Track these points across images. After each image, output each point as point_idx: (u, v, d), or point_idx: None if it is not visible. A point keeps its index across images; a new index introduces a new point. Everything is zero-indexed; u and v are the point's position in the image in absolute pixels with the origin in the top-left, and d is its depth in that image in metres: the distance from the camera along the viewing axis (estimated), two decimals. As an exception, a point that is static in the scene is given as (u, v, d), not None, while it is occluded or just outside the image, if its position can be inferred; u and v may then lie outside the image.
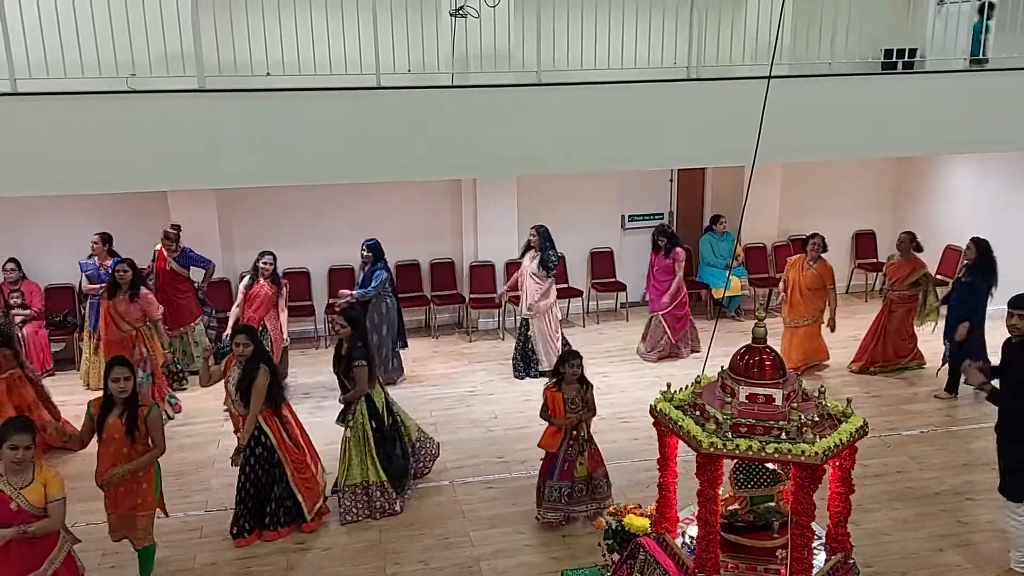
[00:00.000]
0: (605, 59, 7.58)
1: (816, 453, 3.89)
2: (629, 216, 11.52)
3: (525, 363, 9.33)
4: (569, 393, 6.18)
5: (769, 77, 5.19)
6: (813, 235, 9.15)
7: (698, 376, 4.68)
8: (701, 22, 7.84)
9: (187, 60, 6.97)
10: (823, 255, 9.04)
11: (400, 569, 5.92)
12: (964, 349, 7.76)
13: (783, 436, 3.98)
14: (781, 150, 8.00)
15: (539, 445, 6.33)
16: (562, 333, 9.43)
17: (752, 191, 6.12)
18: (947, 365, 8.54)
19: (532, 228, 9.16)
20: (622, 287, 11.18)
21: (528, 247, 9.19)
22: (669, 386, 4.54)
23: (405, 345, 9.37)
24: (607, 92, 7.49)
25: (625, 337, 10.49)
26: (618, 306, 11.49)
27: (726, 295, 10.62)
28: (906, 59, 8.54)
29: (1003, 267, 8.44)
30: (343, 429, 6.64)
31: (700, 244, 11.16)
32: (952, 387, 8.49)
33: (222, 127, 6.86)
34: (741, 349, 4.32)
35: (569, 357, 6.27)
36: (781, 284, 9.39)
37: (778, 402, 4.11)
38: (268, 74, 7.12)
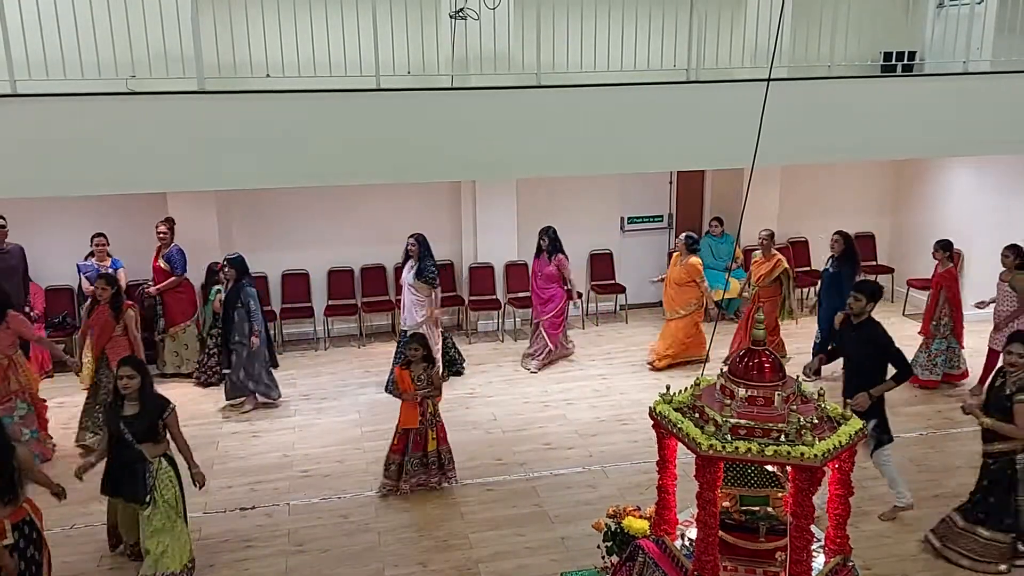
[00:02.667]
0: (605, 61, 7.59)
1: (815, 455, 3.89)
2: (629, 218, 11.53)
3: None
4: (416, 371, 6.67)
5: (769, 80, 5.20)
6: (684, 232, 9.56)
7: (697, 378, 4.69)
8: (701, 24, 7.85)
9: (187, 61, 6.97)
10: (695, 253, 9.43)
11: (398, 571, 5.92)
12: (833, 335, 8.20)
13: (782, 438, 3.98)
14: (781, 153, 8.01)
15: (400, 424, 6.78)
16: (446, 341, 9.33)
17: (751, 193, 6.12)
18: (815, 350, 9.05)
19: (410, 237, 8.80)
20: (621, 289, 11.18)
21: (407, 256, 8.85)
22: (668, 388, 4.54)
23: (276, 365, 8.91)
24: (607, 94, 7.50)
25: (625, 339, 10.50)
26: (618, 308, 11.50)
27: (725, 297, 10.62)
28: (905, 62, 8.55)
29: (999, 270, 8.46)
30: (142, 507, 5.60)
31: (699, 245, 11.17)
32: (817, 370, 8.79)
33: (222, 129, 6.87)
34: (740, 351, 4.32)
35: (410, 341, 6.81)
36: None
37: (777, 404, 4.11)
38: (268, 76, 7.12)
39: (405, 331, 8.63)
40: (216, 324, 8.99)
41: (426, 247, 8.80)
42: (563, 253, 9.43)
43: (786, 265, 9.28)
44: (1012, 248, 8.38)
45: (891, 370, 6.23)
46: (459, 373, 9.43)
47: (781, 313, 9.43)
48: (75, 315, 9.61)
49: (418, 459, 6.83)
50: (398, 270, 10.60)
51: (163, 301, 9.22)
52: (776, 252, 9.33)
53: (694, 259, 9.43)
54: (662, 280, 9.84)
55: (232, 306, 8.38)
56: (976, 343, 9.05)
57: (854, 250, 8.98)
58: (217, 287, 8.98)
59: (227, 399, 8.58)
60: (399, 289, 10.57)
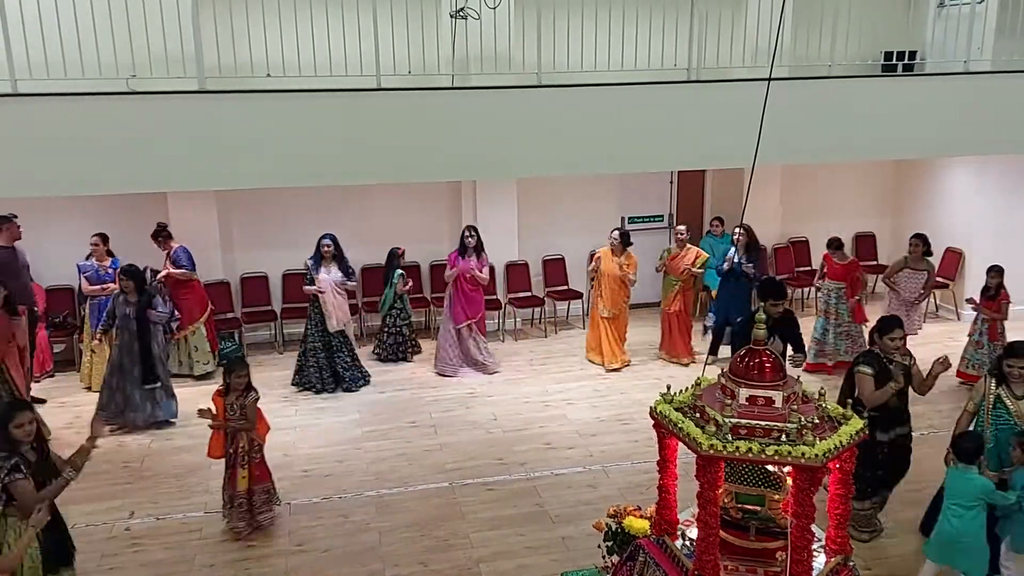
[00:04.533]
0: (605, 61, 7.59)
1: (816, 455, 3.88)
2: (629, 218, 11.52)
3: (336, 378, 8.97)
4: (229, 400, 6.10)
5: (769, 79, 5.19)
6: (616, 228, 9.65)
7: (698, 378, 4.68)
8: (701, 24, 7.85)
9: (187, 61, 6.97)
10: (628, 249, 9.48)
11: (399, 571, 5.92)
12: (729, 321, 9.29)
13: (783, 438, 3.97)
14: (781, 152, 8.01)
15: (208, 455, 6.29)
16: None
17: (752, 193, 6.11)
18: (710, 333, 9.84)
19: (324, 237, 8.76)
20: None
21: (321, 259, 8.80)
22: (669, 388, 4.54)
23: (155, 380, 8.09)
24: (607, 94, 7.50)
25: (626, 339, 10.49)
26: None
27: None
28: (906, 61, 8.55)
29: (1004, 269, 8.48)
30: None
31: (700, 246, 11.15)
32: (714, 350, 9.60)
33: (222, 128, 6.87)
34: (741, 351, 4.32)
35: (235, 367, 6.11)
36: (594, 273, 9.72)
37: (778, 404, 4.10)
38: (268, 75, 7.12)
39: (335, 333, 8.83)
40: (395, 305, 9.65)
41: (338, 245, 8.86)
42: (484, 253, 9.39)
43: (705, 257, 9.66)
44: (920, 237, 9.04)
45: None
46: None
47: (695, 306, 9.98)
48: (75, 315, 9.61)
49: (229, 499, 6.25)
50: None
51: (173, 303, 9.19)
52: (693, 246, 9.70)
53: (632, 255, 9.50)
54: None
55: (144, 318, 7.95)
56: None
57: (756, 241, 9.65)
58: (400, 271, 9.68)
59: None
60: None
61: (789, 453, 3.90)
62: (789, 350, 7.33)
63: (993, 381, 5.65)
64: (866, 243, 12.03)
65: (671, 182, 11.66)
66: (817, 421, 4.13)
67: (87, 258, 9.07)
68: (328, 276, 8.78)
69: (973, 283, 10.47)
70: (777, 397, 4.12)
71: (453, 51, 7.87)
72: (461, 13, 7.75)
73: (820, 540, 4.45)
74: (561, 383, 9.21)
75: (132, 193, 8.41)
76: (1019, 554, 5.27)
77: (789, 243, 11.70)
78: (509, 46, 7.93)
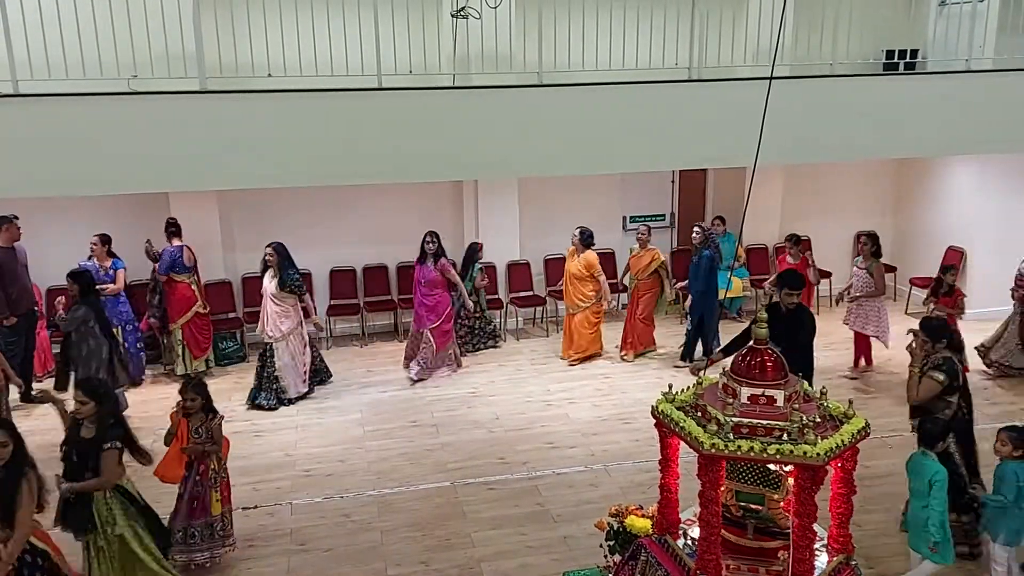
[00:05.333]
0: (607, 60, 7.58)
1: (818, 454, 3.88)
2: (631, 217, 11.53)
3: (266, 391, 8.57)
4: (195, 423, 5.76)
5: (770, 78, 5.19)
6: (578, 227, 9.62)
7: (699, 377, 4.68)
8: (702, 23, 7.84)
9: (188, 61, 6.98)
10: (591, 247, 9.54)
11: (401, 570, 5.92)
12: (703, 321, 9.36)
13: (785, 437, 3.97)
14: (782, 151, 8.01)
15: (155, 473, 5.83)
16: (313, 351, 9.02)
17: (753, 192, 6.11)
18: (687, 337, 9.74)
19: (268, 246, 8.55)
20: (624, 288, 11.18)
21: (265, 266, 8.62)
22: (671, 387, 4.54)
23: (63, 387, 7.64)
24: (609, 93, 7.49)
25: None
26: (620, 307, 11.48)
27: (728, 296, 10.63)
28: (907, 60, 8.54)
29: (1002, 268, 8.46)
30: (84, 537, 5.26)
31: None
32: (687, 355, 9.62)
33: (223, 128, 6.87)
34: (743, 350, 4.32)
35: (185, 390, 5.77)
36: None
37: (780, 403, 4.10)
38: (269, 75, 7.12)
39: (268, 343, 8.57)
40: (472, 296, 9.68)
41: (285, 256, 8.55)
42: (447, 258, 9.19)
43: (663, 259, 9.69)
44: (869, 236, 8.99)
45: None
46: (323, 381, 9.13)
47: (659, 306, 9.90)
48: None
49: (204, 527, 5.83)
50: (399, 270, 10.66)
51: (167, 299, 9.25)
52: (654, 247, 9.70)
53: (591, 254, 9.52)
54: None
55: (84, 324, 7.69)
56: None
57: (710, 236, 9.58)
58: (479, 264, 9.80)
59: None
60: (402, 289, 10.62)
61: (791, 452, 3.90)
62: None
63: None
64: (868, 242, 12.01)
65: (672, 181, 11.66)
66: (819, 420, 4.13)
67: (89, 258, 9.07)
68: (267, 284, 8.55)
69: (975, 282, 10.47)
70: (779, 396, 4.12)
71: (454, 51, 7.87)
72: (462, 13, 7.75)
73: (823, 539, 4.45)
74: (563, 382, 9.21)
75: (133, 193, 8.43)
76: (1011, 547, 5.34)
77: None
78: (510, 46, 7.93)
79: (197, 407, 5.75)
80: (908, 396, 5.94)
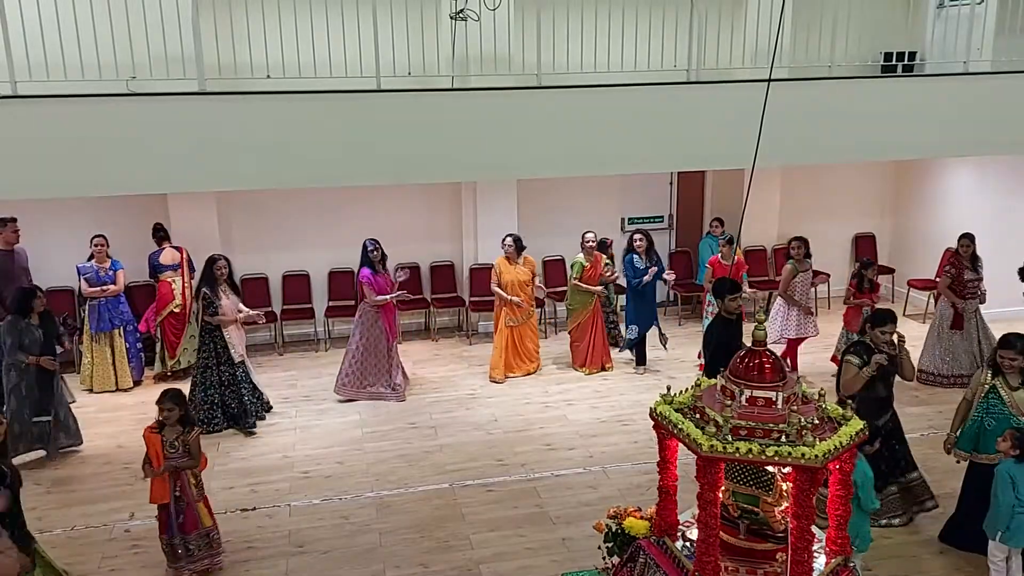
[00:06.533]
0: (605, 62, 7.58)
1: (816, 456, 3.88)
2: (629, 219, 11.53)
3: (244, 411, 8.13)
4: (169, 436, 5.54)
5: (769, 80, 5.20)
6: (509, 234, 9.46)
7: (698, 379, 4.69)
8: (701, 25, 7.85)
9: (187, 62, 6.97)
10: (524, 253, 9.42)
11: (400, 572, 5.92)
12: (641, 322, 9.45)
13: (783, 439, 3.98)
14: (781, 153, 8.02)
15: (152, 501, 5.66)
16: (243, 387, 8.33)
17: (752, 194, 6.12)
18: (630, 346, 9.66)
19: (220, 259, 8.06)
20: (622, 290, 11.17)
21: (215, 282, 8.05)
22: (669, 389, 4.54)
23: (47, 413, 7.46)
24: (607, 95, 7.50)
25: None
26: (619, 308, 11.48)
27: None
28: (906, 62, 8.55)
29: (1001, 269, 8.47)
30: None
31: (700, 247, 11.17)
32: (641, 360, 9.68)
33: (222, 130, 6.87)
34: (741, 352, 4.32)
35: (161, 400, 5.56)
36: (498, 289, 9.35)
37: (778, 405, 4.11)
38: (268, 77, 7.12)
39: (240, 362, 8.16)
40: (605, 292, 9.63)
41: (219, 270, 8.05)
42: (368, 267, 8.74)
43: (606, 262, 9.58)
44: (799, 240, 9.06)
45: None
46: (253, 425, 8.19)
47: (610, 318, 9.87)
48: (75, 316, 9.61)
49: (200, 538, 5.78)
50: (399, 269, 10.64)
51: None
52: (598, 254, 9.52)
53: (531, 257, 9.48)
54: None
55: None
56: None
57: (652, 244, 9.57)
58: (606, 260, 9.62)
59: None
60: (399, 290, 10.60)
61: (789, 454, 3.90)
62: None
63: (989, 372, 5.86)
64: (866, 243, 12.02)
65: (671, 183, 11.66)
66: (817, 422, 4.14)
67: (88, 260, 9.07)
68: (230, 302, 8.06)
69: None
70: (777, 398, 4.12)
71: (453, 52, 7.87)
72: (461, 14, 7.75)
73: (820, 541, 4.46)
74: (561, 384, 9.21)
75: (132, 195, 8.42)
76: (1016, 547, 5.38)
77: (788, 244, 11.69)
78: (509, 47, 7.93)
79: (174, 418, 5.53)
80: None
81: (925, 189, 11.55)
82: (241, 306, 8.27)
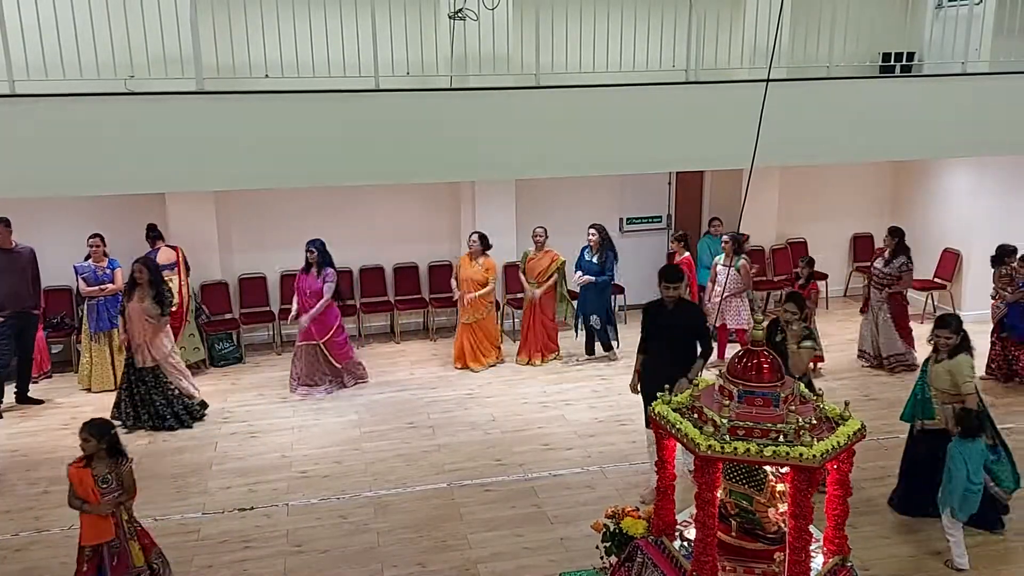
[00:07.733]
0: (604, 62, 7.60)
1: (814, 456, 3.89)
2: (627, 219, 11.53)
3: (158, 415, 8.04)
4: (100, 470, 5.05)
5: (767, 80, 5.20)
6: (475, 232, 9.59)
7: (697, 379, 4.69)
8: (700, 25, 7.85)
9: (186, 62, 6.97)
10: (487, 252, 9.50)
11: (398, 572, 5.92)
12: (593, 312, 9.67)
13: (781, 439, 3.98)
14: (779, 153, 8.02)
15: (84, 541, 5.12)
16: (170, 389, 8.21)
17: (750, 194, 6.13)
18: (586, 331, 9.90)
19: (136, 262, 8.04)
20: (620, 290, 11.19)
21: (135, 285, 8.01)
22: (667, 389, 4.54)
23: None
24: (606, 95, 7.50)
25: (623, 339, 10.46)
26: (616, 308, 11.49)
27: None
28: (904, 63, 8.56)
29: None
30: None
31: (698, 247, 11.16)
32: (590, 350, 9.94)
33: (221, 129, 6.87)
34: (739, 352, 4.32)
35: (83, 428, 5.05)
36: (454, 283, 9.67)
37: (776, 405, 4.11)
38: (267, 76, 7.13)
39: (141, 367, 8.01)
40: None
41: (155, 271, 8.14)
42: (333, 267, 8.82)
43: (563, 260, 9.64)
44: (730, 235, 9.24)
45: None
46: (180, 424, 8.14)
47: (560, 309, 9.94)
48: (73, 315, 9.61)
49: None
50: (396, 271, 10.66)
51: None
52: (551, 249, 9.63)
53: (491, 259, 9.52)
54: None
55: None
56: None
57: (608, 238, 9.72)
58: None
59: None
60: (399, 290, 10.62)
61: (787, 454, 3.90)
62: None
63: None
64: (864, 244, 12.03)
65: (670, 183, 11.67)
66: (815, 422, 4.14)
67: (85, 259, 9.06)
68: (140, 307, 7.92)
69: (971, 284, 10.50)
70: (775, 398, 4.12)
71: (451, 52, 7.87)
72: (459, 14, 7.76)
73: (818, 541, 4.46)
74: (559, 384, 9.21)
75: (131, 193, 8.41)
76: (957, 520, 5.77)
77: (787, 244, 11.71)
78: (507, 47, 7.93)
79: (91, 450, 5.02)
80: (793, 371, 6.34)
81: (923, 190, 11.55)
82: (149, 312, 7.92)
